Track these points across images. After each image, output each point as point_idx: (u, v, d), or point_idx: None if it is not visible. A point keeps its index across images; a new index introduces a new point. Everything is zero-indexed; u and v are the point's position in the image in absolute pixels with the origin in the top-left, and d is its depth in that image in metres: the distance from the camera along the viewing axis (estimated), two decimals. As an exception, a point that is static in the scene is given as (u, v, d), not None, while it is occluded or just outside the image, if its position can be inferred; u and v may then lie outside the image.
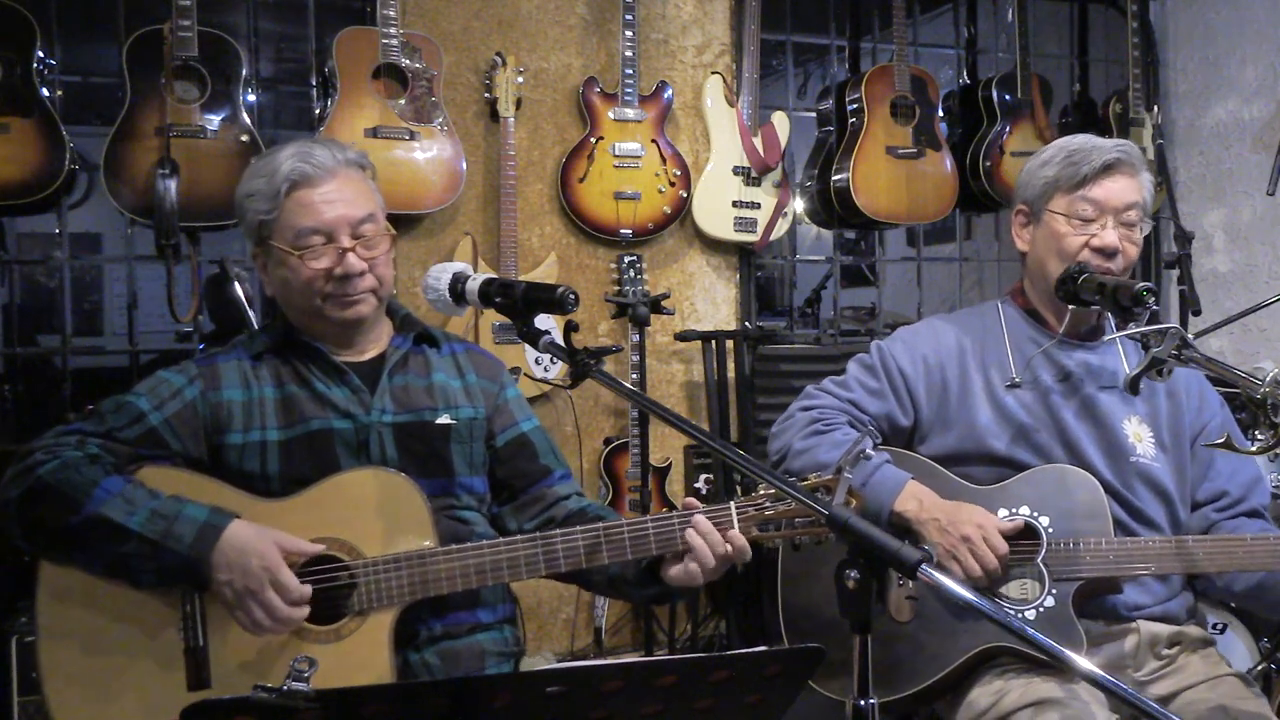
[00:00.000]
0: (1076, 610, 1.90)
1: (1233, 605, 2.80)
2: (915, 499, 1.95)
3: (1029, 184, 2.09)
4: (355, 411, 1.84)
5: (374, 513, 1.73)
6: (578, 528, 1.72)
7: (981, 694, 1.91)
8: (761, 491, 1.69)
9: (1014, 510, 1.97)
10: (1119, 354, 2.10)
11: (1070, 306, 1.98)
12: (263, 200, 1.82)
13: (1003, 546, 1.88)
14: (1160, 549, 1.93)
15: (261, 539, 1.66)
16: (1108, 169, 2.00)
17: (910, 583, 1.93)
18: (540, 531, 1.83)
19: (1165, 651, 1.98)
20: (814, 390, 2.17)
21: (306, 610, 1.67)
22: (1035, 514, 1.96)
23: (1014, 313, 2.14)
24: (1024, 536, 1.95)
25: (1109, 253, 1.98)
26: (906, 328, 2.23)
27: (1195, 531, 2.04)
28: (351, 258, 1.80)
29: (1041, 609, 1.91)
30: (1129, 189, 2.01)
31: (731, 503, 1.70)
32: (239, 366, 1.85)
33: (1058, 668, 1.87)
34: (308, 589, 1.66)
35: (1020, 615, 1.90)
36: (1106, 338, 2.08)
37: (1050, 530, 1.94)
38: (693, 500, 1.73)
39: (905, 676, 1.94)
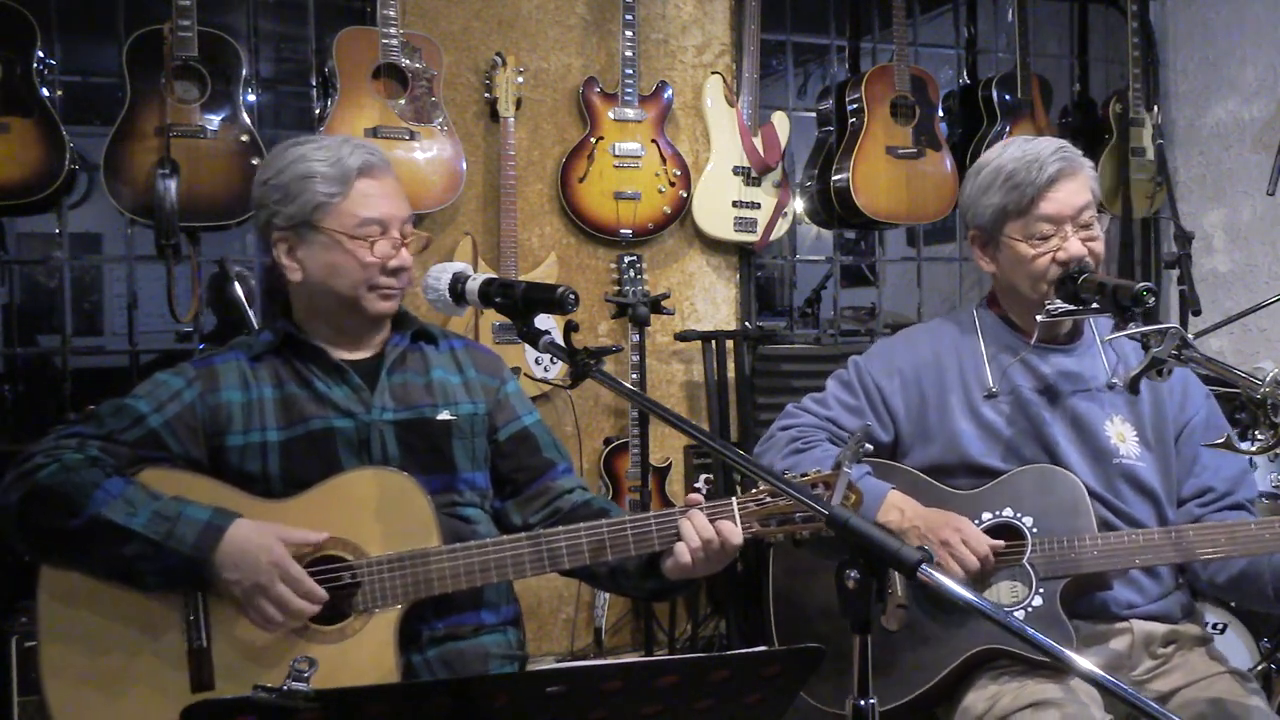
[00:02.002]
0: (1068, 610, 1.90)
1: (1225, 601, 2.79)
2: (897, 509, 1.95)
3: (975, 210, 2.05)
4: (356, 410, 1.84)
5: (377, 513, 1.73)
6: (580, 525, 1.72)
7: (977, 699, 1.90)
8: (762, 488, 1.69)
9: (997, 513, 1.97)
10: (1099, 356, 2.09)
11: (1039, 319, 1.96)
12: (329, 183, 1.81)
13: (983, 547, 1.88)
14: (1145, 541, 1.93)
15: (265, 535, 1.66)
16: (1051, 182, 1.96)
17: (900, 592, 1.92)
18: (545, 524, 1.82)
19: (1160, 650, 1.98)
20: (793, 409, 2.17)
21: (317, 604, 1.67)
22: (1018, 515, 1.96)
23: (990, 319, 2.13)
24: (1009, 539, 1.95)
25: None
26: (883, 340, 2.23)
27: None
28: (405, 252, 1.85)
29: (1030, 609, 1.91)
30: (1078, 192, 1.98)
31: (734, 499, 1.70)
32: (237, 367, 1.85)
33: (1052, 669, 1.87)
34: (320, 589, 1.67)
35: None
36: (1108, 337, 2.08)
37: (1034, 530, 1.94)
38: (696, 496, 1.73)
39: (898, 684, 1.93)
